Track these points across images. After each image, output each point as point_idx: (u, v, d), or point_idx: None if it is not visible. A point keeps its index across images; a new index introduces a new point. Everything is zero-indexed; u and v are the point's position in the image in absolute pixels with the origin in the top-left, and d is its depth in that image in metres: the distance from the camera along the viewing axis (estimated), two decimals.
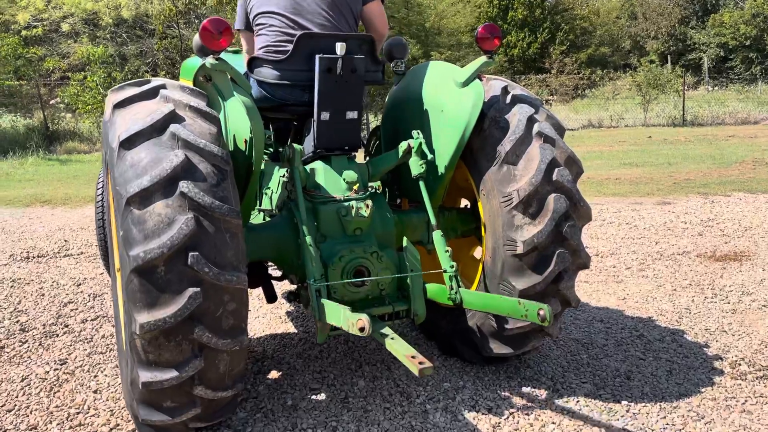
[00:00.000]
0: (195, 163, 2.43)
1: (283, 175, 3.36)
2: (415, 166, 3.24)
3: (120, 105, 2.63)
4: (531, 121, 3.08)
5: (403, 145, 3.26)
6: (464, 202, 3.99)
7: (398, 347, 2.72)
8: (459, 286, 2.99)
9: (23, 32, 22.02)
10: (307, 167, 3.23)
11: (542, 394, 3.24)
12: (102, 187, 4.60)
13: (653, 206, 7.78)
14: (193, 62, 4.05)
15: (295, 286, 3.23)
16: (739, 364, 3.57)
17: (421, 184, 3.24)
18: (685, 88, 21.13)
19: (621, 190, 8.96)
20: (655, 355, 3.71)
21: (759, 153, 12.02)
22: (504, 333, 3.15)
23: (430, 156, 3.19)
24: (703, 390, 3.30)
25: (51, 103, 19.02)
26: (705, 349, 3.80)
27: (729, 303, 4.53)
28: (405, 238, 3.12)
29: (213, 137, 2.57)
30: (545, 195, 2.97)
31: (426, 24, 26.55)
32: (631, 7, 48.88)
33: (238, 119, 2.90)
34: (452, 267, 3.03)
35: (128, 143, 2.43)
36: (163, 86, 2.71)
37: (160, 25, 17.67)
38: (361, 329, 2.35)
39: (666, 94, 21.91)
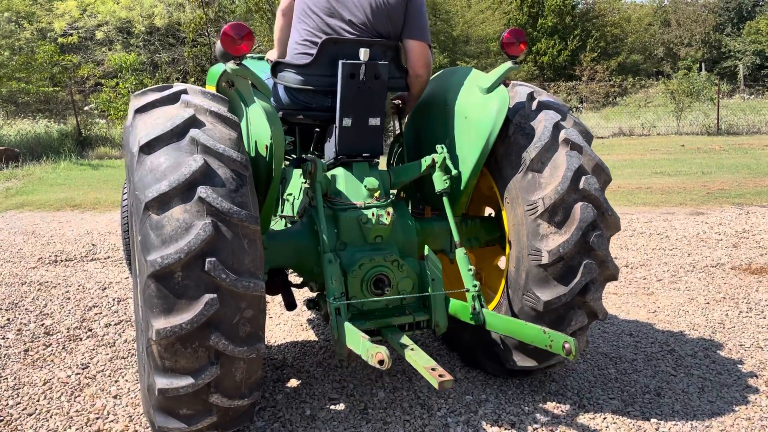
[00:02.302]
0: (214, 169, 2.41)
1: (305, 182, 3.34)
2: (439, 182, 3.19)
3: (141, 110, 2.63)
4: (557, 127, 3.00)
5: (426, 160, 3.21)
6: (488, 211, 3.91)
7: (418, 359, 2.66)
8: (482, 306, 2.92)
9: (59, 40, 22.52)
10: (329, 173, 3.19)
11: (568, 409, 3.15)
12: (127, 191, 4.63)
13: (686, 216, 7.59)
14: (218, 69, 4.05)
15: (315, 294, 3.19)
16: None
17: (445, 199, 3.19)
18: (720, 96, 20.67)
19: (652, 199, 8.77)
20: (686, 371, 3.58)
21: None
22: (529, 346, 3.06)
23: (454, 171, 3.14)
24: (737, 409, 3.17)
25: (85, 109, 19.40)
26: (739, 365, 3.66)
27: (765, 318, 4.37)
28: (426, 247, 3.06)
29: (233, 142, 2.54)
30: (571, 203, 2.88)
31: (454, 32, 26.45)
32: (664, 14, 48.23)
33: (259, 125, 2.87)
34: (475, 287, 2.96)
35: (148, 148, 2.42)
36: (185, 91, 2.70)
37: (191, 32, 17.92)
38: (381, 362, 2.30)
39: (700, 102, 21.48)
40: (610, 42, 40.32)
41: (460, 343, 3.61)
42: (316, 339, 4.01)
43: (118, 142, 17.66)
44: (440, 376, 2.51)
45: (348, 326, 2.64)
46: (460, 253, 3.07)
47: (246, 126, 2.94)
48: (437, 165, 3.18)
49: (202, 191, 2.33)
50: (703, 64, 39.68)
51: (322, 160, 3.03)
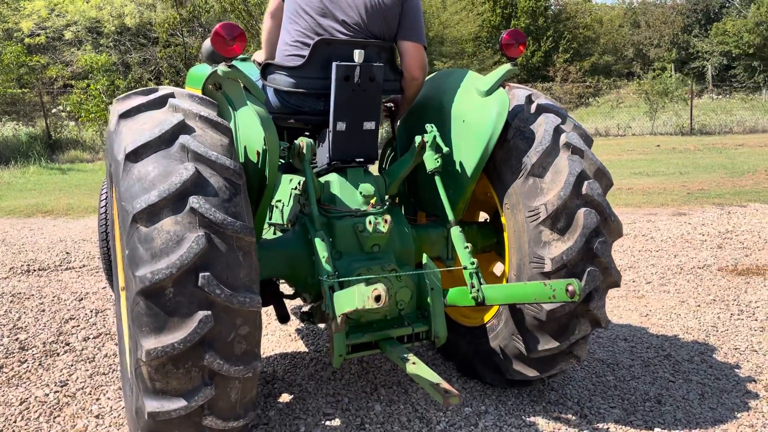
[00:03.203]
0: (206, 177, 2.27)
1: (295, 188, 3.21)
2: (430, 161, 3.07)
3: (126, 115, 2.48)
4: (558, 131, 2.92)
5: (417, 140, 3.10)
6: (482, 216, 3.82)
7: (421, 373, 2.56)
8: (481, 284, 2.82)
9: (26, 40, 21.96)
10: (322, 179, 3.07)
11: (570, 419, 3.07)
12: (106, 198, 4.44)
13: (669, 217, 7.61)
14: (201, 70, 3.89)
15: (309, 306, 3.07)
16: None
17: (437, 179, 3.08)
18: (691, 96, 20.98)
19: (634, 200, 8.79)
20: (684, 377, 3.53)
21: None
22: (530, 355, 2.97)
23: (446, 149, 3.02)
24: (738, 415, 3.12)
25: (53, 111, 18.91)
26: (736, 370, 3.62)
27: (757, 320, 4.35)
28: (425, 255, 2.95)
29: (225, 149, 2.41)
30: (574, 209, 2.80)
31: (429, 33, 26.44)
32: (633, 16, 48.95)
33: (250, 130, 2.74)
34: (473, 264, 2.85)
35: (135, 155, 2.28)
36: (172, 95, 2.56)
37: (164, 33, 17.57)
38: (378, 298, 2.08)
39: (674, 103, 21.77)
40: (582, 43, 40.78)
41: (457, 353, 3.51)
42: (306, 350, 3.88)
43: (90, 145, 17.26)
44: (446, 392, 2.41)
45: (338, 293, 2.47)
46: (456, 231, 2.96)
47: (235, 131, 2.80)
48: (428, 144, 3.07)
49: (194, 201, 2.19)
50: (672, 65, 40.36)
51: (311, 140, 2.90)
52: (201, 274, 2.15)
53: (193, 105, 2.51)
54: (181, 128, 2.36)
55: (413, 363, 2.64)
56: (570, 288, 2.45)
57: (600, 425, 3.01)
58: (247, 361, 2.30)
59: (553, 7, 41.13)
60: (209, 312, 2.17)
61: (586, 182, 2.82)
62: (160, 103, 2.52)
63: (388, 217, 2.84)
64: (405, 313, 2.90)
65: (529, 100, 3.04)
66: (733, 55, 42.26)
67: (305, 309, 3.09)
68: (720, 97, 38.11)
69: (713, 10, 47.95)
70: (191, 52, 17.31)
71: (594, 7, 47.39)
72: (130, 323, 2.24)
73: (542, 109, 3.01)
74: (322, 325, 3.88)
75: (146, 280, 2.11)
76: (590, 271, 2.80)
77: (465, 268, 2.87)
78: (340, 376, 3.49)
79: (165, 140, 2.31)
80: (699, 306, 4.64)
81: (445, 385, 2.48)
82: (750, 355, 3.83)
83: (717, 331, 4.19)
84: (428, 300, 2.88)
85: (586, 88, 31.07)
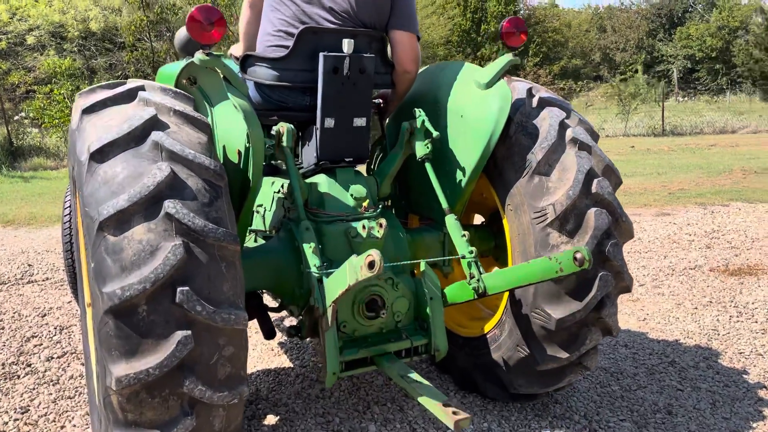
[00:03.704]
0: (183, 178, 2.01)
1: (278, 191, 2.96)
2: (420, 147, 2.88)
3: (90, 110, 2.20)
4: (563, 126, 2.72)
5: (404, 126, 2.89)
6: (477, 219, 3.60)
7: (426, 393, 2.32)
8: (480, 273, 2.60)
9: None
10: (309, 180, 2.82)
11: None
12: (69, 205, 4.13)
13: (653, 218, 7.50)
14: (171, 68, 3.61)
15: (297, 320, 2.81)
16: None
17: (428, 165, 2.87)
18: (664, 98, 21.20)
19: None
20: (692, 384, 3.36)
21: (745, 162, 11.92)
22: (536, 367, 2.76)
23: (435, 133, 2.82)
24: (754, 425, 2.96)
25: (15, 118, 18.25)
26: (744, 376, 3.46)
27: (757, 322, 4.21)
28: (423, 262, 2.71)
29: (203, 147, 2.15)
30: (584, 209, 2.60)
31: None
32: (600, 21, 49.64)
33: (230, 126, 2.48)
34: (471, 252, 2.64)
35: (100, 155, 2.00)
36: (142, 88, 2.29)
37: (131, 36, 17.08)
38: (371, 264, 1.82)
39: (646, 105, 21.96)
40: (551, 47, 41.16)
41: (455, 365, 3.28)
42: (291, 365, 3.61)
43: (54, 152, 16.68)
44: (455, 413, 2.18)
45: (327, 281, 2.25)
46: (451, 220, 2.75)
47: (212, 128, 2.53)
48: (416, 130, 2.88)
49: (169, 206, 1.92)
50: (639, 68, 40.98)
51: (292, 125, 2.65)
52: (179, 289, 1.89)
53: (166, 98, 2.25)
54: (154, 124, 2.10)
55: (417, 382, 2.40)
56: (578, 256, 2.24)
57: None
58: (232, 386, 2.04)
59: (522, 11, 41.43)
60: (189, 332, 1.90)
61: (595, 180, 2.62)
62: (129, 96, 2.25)
63: (383, 221, 2.59)
64: (402, 325, 2.67)
65: (530, 93, 2.84)
66: (697, 59, 43.06)
67: (291, 323, 2.82)
68: (686, 99, 38.74)
69: (677, 15, 48.85)
70: (159, 55, 16.84)
71: (562, 12, 47.91)
72: (98, 346, 1.96)
73: (545, 103, 2.80)
74: (308, 339, 3.61)
75: (115, 297, 1.84)
76: (602, 275, 2.60)
77: (463, 257, 2.66)
78: (329, 394, 3.23)
79: (135, 137, 2.05)
80: (696, 308, 4.49)
81: (453, 407, 2.24)
82: (756, 359, 3.67)
83: (718, 334, 4.03)
84: (427, 310, 2.64)
85: (560, 91, 31.26)
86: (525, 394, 2.95)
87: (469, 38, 37.57)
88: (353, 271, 1.96)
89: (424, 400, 2.32)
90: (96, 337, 1.95)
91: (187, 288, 1.90)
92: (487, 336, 3.00)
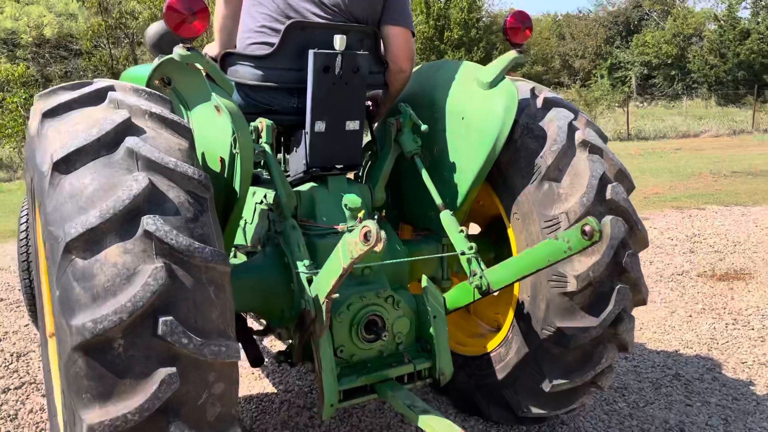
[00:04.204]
0: (163, 190, 1.75)
1: (261, 202, 2.70)
2: (409, 142, 2.69)
3: (52, 113, 1.92)
4: (572, 128, 2.53)
5: (390, 121, 2.70)
6: (473, 228, 3.39)
7: (436, 425, 2.09)
8: (482, 269, 2.38)
9: None
10: (297, 190, 2.57)
11: None
12: (27, 221, 3.79)
13: None
14: (138, 70, 3.33)
15: (286, 345, 2.55)
16: None
17: (418, 161, 2.68)
18: (619, 104, 21.48)
19: None
20: (701, 398, 3.20)
21: (712, 165, 12.04)
22: (548, 389, 2.54)
23: (424, 126, 2.62)
24: None
25: None
26: (752, 387, 3.32)
27: (754, 329, 4.10)
28: (425, 277, 2.49)
29: (185, 154, 1.89)
30: (599, 218, 2.36)
31: None
32: (558, 28, 50.45)
33: (211, 131, 2.22)
34: (471, 248, 2.43)
35: (66, 165, 1.73)
36: (111, 88, 2.01)
37: (88, 41, 16.49)
38: (367, 236, 1.63)
39: (610, 110, 22.22)
40: None
41: (454, 386, 3.03)
42: (275, 391, 3.34)
43: (6, 163, 15.98)
44: None
45: (318, 275, 2.05)
46: (446, 216, 2.55)
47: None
48: (403, 125, 2.69)
49: (148, 222, 1.66)
50: (598, 74, 41.67)
51: (271, 121, 2.40)
52: (161, 319, 1.63)
53: (140, 100, 1.98)
54: (127, 128, 1.83)
55: (424, 411, 2.17)
56: (587, 228, 1.98)
57: None
58: (222, 428, 1.78)
59: (484, 19, 41.74)
60: (173, 369, 1.64)
61: (609, 186, 2.44)
62: (98, 97, 1.97)
63: (383, 233, 2.35)
64: (403, 347, 2.43)
65: (533, 93, 2.65)
66: (654, 65, 43.99)
67: (278, 348, 2.56)
68: (644, 104, 39.50)
69: (633, 22, 49.89)
70: (119, 61, 16.29)
71: None
72: (65, 388, 1.68)
73: (551, 104, 2.61)
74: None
75: (86, 330, 1.57)
76: (620, 288, 2.41)
77: (462, 253, 2.45)
78: (319, 422, 2.97)
79: (106, 144, 1.78)
80: (691, 316, 4.36)
81: None
82: (759, 369, 3.54)
83: (717, 343, 3.90)
84: (431, 330, 2.42)
85: None
86: (535, 416, 2.74)
87: (432, 45, 37.62)
88: (348, 250, 1.74)
89: (431, 429, 2.10)
90: (63, 377, 1.67)
91: (170, 318, 1.63)
92: (491, 355, 2.78)
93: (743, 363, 3.63)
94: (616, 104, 22.27)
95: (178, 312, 1.66)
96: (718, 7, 42.23)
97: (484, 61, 37.57)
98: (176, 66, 2.23)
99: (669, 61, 43.04)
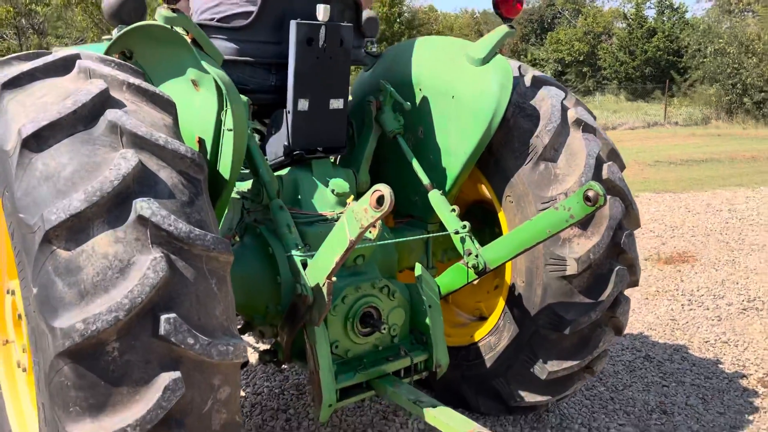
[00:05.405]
0: (153, 170, 1.53)
1: (240, 188, 2.48)
2: (390, 121, 2.57)
3: (12, 84, 1.65)
4: (564, 107, 2.45)
5: (369, 99, 2.57)
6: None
7: (449, 421, 1.96)
8: (477, 247, 2.30)
9: None
10: (279, 174, 2.36)
11: None
12: None
13: None
14: (90, 48, 3.01)
15: (270, 344, 2.35)
16: None
17: (401, 141, 2.57)
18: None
19: None
20: (675, 379, 3.23)
21: (635, 155, 12.47)
22: (543, 375, 2.46)
23: (406, 104, 2.50)
24: (750, 418, 2.85)
25: None
26: (720, 366, 3.39)
27: (708, 309, 4.21)
28: (419, 266, 2.34)
29: (170, 131, 1.67)
30: None
31: None
32: (477, 25, 51.51)
33: (187, 108, 1.99)
34: (464, 227, 2.35)
35: (37, 142, 1.48)
36: (78, 56, 1.75)
37: None
38: (380, 200, 1.52)
39: None
40: None
41: (437, 380, 2.91)
42: (243, 394, 3.10)
43: None
44: None
45: (312, 261, 1.91)
46: (435, 195, 2.44)
47: None
48: (383, 103, 2.57)
49: (143, 207, 1.44)
50: None
51: (247, 98, 2.18)
52: (164, 317, 1.41)
53: (114, 70, 1.73)
54: (105, 100, 1.59)
55: (432, 407, 2.03)
56: (590, 193, 1.94)
57: None
58: None
59: (406, 13, 41.96)
60: (178, 373, 1.43)
61: (605, 165, 2.39)
62: (64, 67, 1.72)
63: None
64: (399, 339, 2.29)
65: (521, 71, 2.56)
66: (566, 62, 45.58)
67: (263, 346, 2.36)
68: None
69: (547, 21, 51.52)
70: (31, 48, 15.21)
71: (441, 16, 49.13)
72: (46, 401, 1.43)
73: (540, 82, 2.53)
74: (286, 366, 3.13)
75: (75, 333, 1.34)
76: (618, 270, 2.36)
77: (456, 232, 2.36)
78: (296, 425, 2.77)
79: (83, 117, 1.54)
80: (647, 298, 4.43)
81: (484, 430, 1.90)
82: (723, 347, 3.62)
83: (678, 324, 3.97)
84: (426, 321, 2.28)
85: None
86: (528, 406, 2.65)
87: None
88: (356, 218, 1.59)
89: (444, 426, 1.97)
90: (43, 389, 1.43)
91: (173, 315, 1.42)
92: (480, 344, 2.68)
93: (707, 342, 3.70)
94: None
95: (181, 308, 1.45)
96: (624, 6, 44.17)
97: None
98: (142, 36, 2.00)
99: (581, 58, 44.70)
